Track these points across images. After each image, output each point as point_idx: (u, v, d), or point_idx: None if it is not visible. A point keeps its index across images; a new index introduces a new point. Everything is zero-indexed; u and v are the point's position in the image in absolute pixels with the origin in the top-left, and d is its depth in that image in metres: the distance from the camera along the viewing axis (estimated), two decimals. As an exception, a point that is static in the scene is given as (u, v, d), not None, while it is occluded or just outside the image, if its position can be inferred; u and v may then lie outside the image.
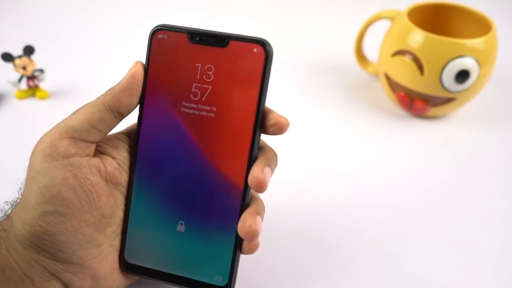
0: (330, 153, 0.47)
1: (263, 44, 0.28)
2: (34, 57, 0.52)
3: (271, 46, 0.28)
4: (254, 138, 0.28)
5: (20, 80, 0.52)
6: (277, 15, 0.76)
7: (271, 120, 0.29)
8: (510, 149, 0.49)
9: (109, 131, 0.29)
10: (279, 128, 0.29)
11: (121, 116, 0.29)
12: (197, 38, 0.28)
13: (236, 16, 0.75)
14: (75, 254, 0.28)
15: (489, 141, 0.50)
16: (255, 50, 0.28)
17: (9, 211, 0.29)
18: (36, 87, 0.53)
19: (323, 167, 0.45)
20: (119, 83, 0.29)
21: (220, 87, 0.28)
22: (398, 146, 0.49)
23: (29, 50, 0.52)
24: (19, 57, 0.51)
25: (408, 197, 0.42)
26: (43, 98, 0.53)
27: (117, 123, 0.29)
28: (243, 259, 0.32)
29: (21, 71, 0.52)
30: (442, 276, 0.35)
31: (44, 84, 0.54)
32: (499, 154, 0.48)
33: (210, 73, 0.29)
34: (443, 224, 0.40)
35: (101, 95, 0.29)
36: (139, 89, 0.29)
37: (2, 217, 0.29)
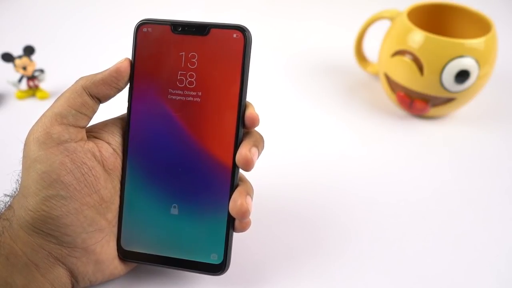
0: (330, 153, 0.47)
1: (242, 30, 0.30)
2: (34, 57, 0.52)
3: (249, 32, 0.30)
4: (239, 119, 0.30)
5: (20, 80, 0.52)
6: (277, 15, 0.76)
7: (246, 113, 0.30)
8: (510, 149, 0.49)
9: (93, 115, 0.30)
10: (252, 121, 0.30)
11: (99, 101, 0.30)
12: (180, 29, 0.30)
13: (236, 16, 0.75)
14: (79, 237, 0.29)
15: (489, 141, 0.50)
16: (234, 35, 0.30)
17: (9, 202, 0.30)
18: (36, 87, 0.53)
19: (323, 167, 0.45)
20: (102, 73, 0.30)
21: (204, 73, 0.30)
22: (398, 146, 0.49)
23: (29, 50, 0.52)
24: (19, 57, 0.51)
25: (408, 197, 0.42)
26: (43, 98, 0.53)
27: (98, 107, 0.31)
28: (236, 241, 0.33)
29: (21, 71, 0.52)
30: (442, 276, 0.35)
31: (44, 84, 0.54)
32: (499, 154, 0.48)
33: (194, 60, 0.30)
34: (443, 223, 0.40)
35: (81, 79, 0.30)
36: (120, 83, 0.30)
37: (3, 208, 0.30)
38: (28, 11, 0.74)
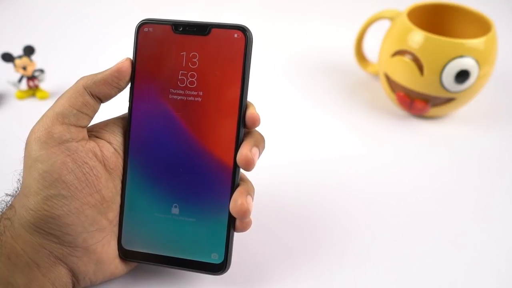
0: (330, 153, 0.47)
1: (243, 30, 0.30)
2: (34, 57, 0.52)
3: (250, 32, 0.30)
4: (240, 119, 0.30)
5: (20, 80, 0.52)
6: (277, 15, 0.76)
7: (247, 113, 0.30)
8: (510, 149, 0.49)
9: (95, 114, 0.30)
10: (252, 121, 0.30)
11: (100, 101, 0.30)
12: (181, 29, 0.30)
13: (236, 16, 0.75)
14: (80, 237, 0.29)
15: (489, 141, 0.50)
16: (235, 35, 0.30)
17: (10, 202, 0.30)
18: (36, 87, 0.53)
19: (323, 167, 0.45)
20: (103, 72, 0.30)
21: (205, 72, 0.30)
22: (398, 146, 0.49)
23: (29, 50, 0.52)
24: (19, 57, 0.51)
25: (408, 197, 0.42)
26: (43, 98, 0.53)
27: (99, 106, 0.31)
28: (237, 241, 0.33)
29: (21, 71, 0.52)
30: (442, 276, 0.35)
31: (44, 84, 0.54)
32: (499, 154, 0.48)
33: (195, 60, 0.30)
34: (443, 223, 0.40)
35: (82, 79, 0.30)
36: (121, 82, 0.30)
37: (4, 207, 0.30)
38: (28, 11, 0.74)
